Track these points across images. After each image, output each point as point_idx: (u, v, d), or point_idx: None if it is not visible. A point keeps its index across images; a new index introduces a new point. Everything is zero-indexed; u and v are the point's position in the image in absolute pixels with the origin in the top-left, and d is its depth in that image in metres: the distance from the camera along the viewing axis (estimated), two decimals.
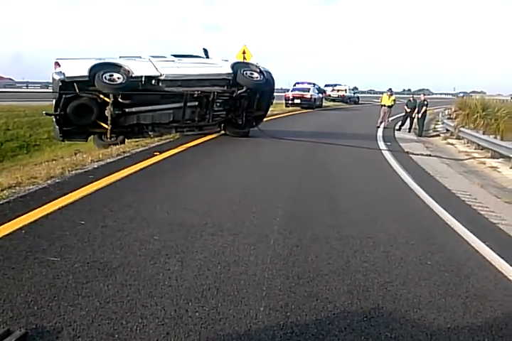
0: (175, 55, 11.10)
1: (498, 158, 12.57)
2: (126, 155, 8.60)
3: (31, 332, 2.58)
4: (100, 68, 9.60)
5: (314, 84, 33.94)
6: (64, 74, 9.31)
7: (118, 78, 9.61)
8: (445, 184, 8.15)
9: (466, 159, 12.89)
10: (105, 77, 9.48)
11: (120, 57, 10.69)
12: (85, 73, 9.40)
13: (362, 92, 66.98)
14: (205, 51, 11.59)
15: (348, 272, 3.76)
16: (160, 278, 3.38)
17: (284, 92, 33.11)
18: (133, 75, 9.87)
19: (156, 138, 10.72)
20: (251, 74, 11.20)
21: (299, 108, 30.00)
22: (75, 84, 9.39)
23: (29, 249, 3.71)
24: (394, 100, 20.62)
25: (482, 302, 3.37)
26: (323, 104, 35.29)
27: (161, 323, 2.77)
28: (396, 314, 3.12)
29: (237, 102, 11.58)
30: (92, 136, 10.49)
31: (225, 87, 11.13)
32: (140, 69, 10.07)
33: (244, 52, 18.80)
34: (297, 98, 30.82)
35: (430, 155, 12.22)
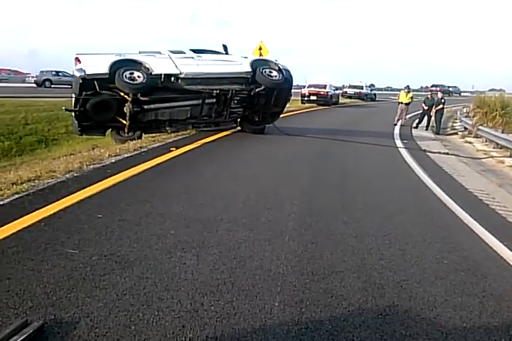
0: (194, 51, 11.04)
1: None
2: (143, 150, 8.68)
3: (50, 322, 2.63)
4: (120, 65, 9.62)
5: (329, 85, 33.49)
6: (84, 71, 9.35)
7: (138, 77, 9.63)
8: (462, 182, 8.07)
9: (484, 158, 12.72)
10: (125, 76, 9.52)
11: (140, 52, 10.72)
12: (106, 70, 9.43)
13: (379, 89, 66.53)
14: (225, 47, 11.55)
15: (364, 269, 3.75)
16: (176, 271, 3.41)
17: (300, 89, 33.00)
18: (153, 73, 9.88)
19: (172, 134, 10.79)
20: (270, 72, 11.16)
21: (315, 105, 29.92)
22: (95, 82, 9.46)
23: (48, 242, 3.77)
24: (411, 97, 20.42)
25: (499, 302, 3.34)
26: (340, 100, 35.13)
27: (176, 316, 2.80)
28: (411, 312, 3.11)
29: (255, 100, 11.57)
30: (109, 131, 10.58)
31: (244, 85, 11.11)
32: (160, 66, 10.06)
33: (260, 49, 18.76)
34: (313, 95, 30.75)
35: (448, 154, 12.08)
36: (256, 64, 11.19)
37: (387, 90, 75.13)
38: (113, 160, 7.46)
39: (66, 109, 10.20)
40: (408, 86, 21.21)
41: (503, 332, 2.92)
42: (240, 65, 11.06)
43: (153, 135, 10.68)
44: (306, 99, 30.83)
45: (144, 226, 4.34)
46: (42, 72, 38.94)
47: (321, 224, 4.90)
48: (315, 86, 31.83)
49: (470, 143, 16.14)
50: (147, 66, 9.92)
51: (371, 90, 47.37)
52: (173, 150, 8.58)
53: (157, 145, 9.39)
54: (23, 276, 3.16)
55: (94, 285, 3.11)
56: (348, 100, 39.27)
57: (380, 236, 4.61)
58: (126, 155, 7.99)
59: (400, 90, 24.32)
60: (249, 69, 10.93)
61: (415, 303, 3.23)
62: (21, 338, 2.38)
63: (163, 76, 10.01)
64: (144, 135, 10.52)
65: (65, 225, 4.20)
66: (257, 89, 11.15)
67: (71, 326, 2.62)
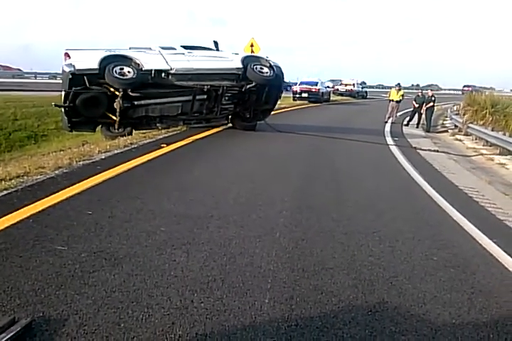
0: (184, 47, 11.01)
1: (506, 155, 12.49)
2: (133, 146, 8.62)
3: (38, 319, 2.61)
4: (110, 60, 9.55)
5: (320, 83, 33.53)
6: (74, 66, 9.27)
7: (128, 72, 9.58)
8: (452, 180, 8.11)
9: (474, 155, 12.82)
10: (115, 71, 9.45)
11: (130, 48, 10.67)
12: (95, 66, 9.36)
13: (370, 87, 66.67)
14: (216, 43, 11.53)
15: (354, 266, 3.76)
16: (166, 268, 3.39)
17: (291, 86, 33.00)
18: (143, 69, 9.83)
19: (163, 130, 10.73)
20: (261, 68, 11.17)
21: (306, 102, 29.92)
22: (85, 77, 9.38)
23: (36, 238, 3.74)
24: (402, 95, 20.49)
25: (487, 299, 3.37)
26: (331, 98, 35.17)
27: (166, 313, 2.78)
28: (401, 308, 3.12)
29: (246, 96, 11.57)
30: (99, 127, 10.51)
31: (235, 82, 11.11)
32: (150, 62, 10.03)
33: (252, 45, 18.69)
34: (305, 92, 30.75)
35: (438, 151, 12.15)
36: (247, 60, 11.18)
37: (378, 88, 75.29)
38: (103, 157, 7.41)
39: (56, 105, 10.09)
40: (399, 83, 21.29)
41: (491, 328, 2.94)
42: (231, 61, 11.07)
43: (144, 131, 10.63)
44: (297, 96, 30.83)
45: (134, 222, 4.32)
46: None
47: (312, 221, 4.90)
48: (306, 83, 31.84)
49: (460, 140, 16.24)
50: (137, 62, 9.87)
51: (362, 88, 47.43)
52: (163, 147, 8.54)
53: (147, 141, 9.33)
54: (11, 273, 3.13)
55: (83, 282, 3.09)
56: (339, 97, 39.31)
57: (370, 233, 4.62)
58: (116, 152, 7.94)
59: (390, 88, 24.38)
60: (240, 66, 10.94)
61: (405, 300, 3.25)
62: (9, 335, 2.36)
63: (153, 71, 9.97)
64: (134, 131, 10.45)
65: (53, 222, 4.16)
66: (248, 86, 11.15)
67: (59, 323, 2.60)
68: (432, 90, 20.90)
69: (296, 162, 8.65)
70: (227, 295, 3.06)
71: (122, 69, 9.56)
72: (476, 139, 15.86)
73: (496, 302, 3.34)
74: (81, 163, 6.79)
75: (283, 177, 7.09)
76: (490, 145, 14.12)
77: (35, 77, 43.27)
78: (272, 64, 11.53)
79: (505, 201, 6.94)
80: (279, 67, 11.82)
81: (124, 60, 9.79)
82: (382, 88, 72.80)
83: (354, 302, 3.15)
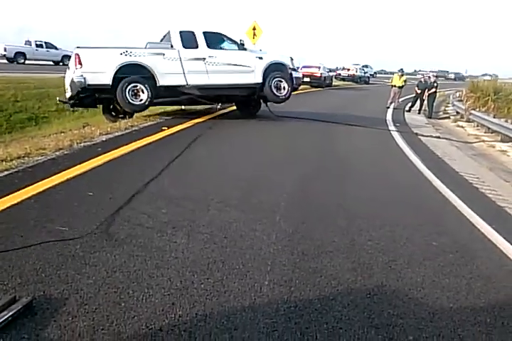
0: (207, 42, 10.30)
1: (508, 142, 12.45)
2: (134, 129, 8.62)
3: (38, 298, 2.63)
4: (125, 73, 9.24)
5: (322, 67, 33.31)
6: (85, 79, 8.97)
7: (142, 92, 9.32)
8: (453, 166, 8.10)
9: (476, 142, 12.78)
10: (128, 91, 9.20)
11: (148, 43, 10.39)
12: (108, 81, 9.12)
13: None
14: (242, 44, 11.10)
15: (353, 250, 3.77)
16: (167, 250, 3.41)
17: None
18: (158, 85, 9.60)
19: (165, 113, 10.70)
20: (278, 86, 10.88)
21: (308, 86, 29.74)
22: (95, 89, 9.27)
23: (38, 218, 3.75)
24: (405, 81, 20.33)
25: (486, 284, 3.39)
26: (333, 83, 34.97)
27: (166, 293, 2.80)
28: (399, 292, 3.14)
29: (255, 96, 11.46)
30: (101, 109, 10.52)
31: (250, 91, 10.99)
32: (167, 75, 9.70)
33: (254, 28, 18.51)
34: (307, 76, 30.49)
35: (439, 137, 12.11)
36: (270, 69, 10.80)
37: (381, 73, 74.76)
38: (104, 139, 7.40)
39: (60, 100, 10.08)
40: (402, 69, 21.13)
41: (489, 313, 2.96)
42: (252, 74, 10.66)
43: (145, 114, 10.60)
44: None
45: (134, 204, 4.32)
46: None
47: (313, 205, 4.91)
48: (309, 67, 31.61)
49: (462, 127, 16.19)
50: (153, 73, 9.53)
51: (365, 73, 47.06)
52: (164, 130, 8.51)
53: (148, 124, 9.32)
54: (12, 252, 3.14)
55: (84, 262, 3.10)
56: (341, 82, 39.08)
57: (371, 218, 4.62)
58: (117, 134, 7.94)
59: (393, 73, 24.21)
60: (260, 81, 10.69)
61: (403, 284, 3.26)
62: (10, 314, 2.38)
63: (168, 86, 9.78)
64: (135, 114, 10.41)
65: (54, 202, 4.18)
66: (261, 94, 11.11)
67: (60, 302, 2.62)
68: (435, 76, 20.72)
69: (298, 147, 8.63)
70: (227, 277, 3.08)
71: (136, 86, 9.30)
72: (477, 126, 15.80)
73: (494, 287, 3.36)
74: (82, 144, 6.78)
75: (284, 160, 7.09)
76: (491, 132, 14.07)
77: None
78: (294, 75, 11.23)
79: (506, 188, 6.93)
80: (299, 78, 11.50)
81: (140, 69, 9.43)
82: (385, 73, 72.32)
83: (353, 285, 3.17)
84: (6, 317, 2.35)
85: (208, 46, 10.31)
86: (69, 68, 9.74)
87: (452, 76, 76.25)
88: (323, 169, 6.88)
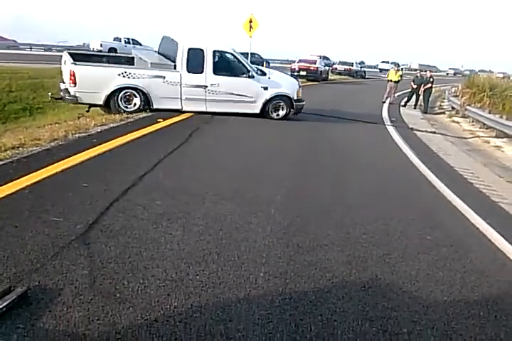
0: (214, 66, 9.81)
1: (502, 138, 12.48)
2: (129, 120, 8.56)
3: (33, 288, 2.62)
4: (118, 92, 9.21)
5: (322, 57, 33.19)
6: (78, 98, 9.04)
7: (135, 96, 9.32)
8: (448, 161, 8.13)
9: (471, 137, 12.82)
10: (121, 99, 9.21)
11: (152, 64, 9.94)
12: (101, 102, 9.15)
13: (369, 67, 66.02)
14: (251, 70, 10.50)
15: (348, 243, 3.78)
16: (162, 241, 3.41)
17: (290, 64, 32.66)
18: (152, 107, 9.51)
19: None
20: (276, 110, 10.61)
21: (304, 80, 29.66)
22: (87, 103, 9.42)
23: (32, 209, 3.73)
24: (401, 76, 20.31)
25: (479, 278, 3.41)
26: (330, 77, 34.87)
27: (161, 285, 2.80)
28: (393, 285, 3.16)
29: None
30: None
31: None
32: (164, 100, 9.58)
33: (251, 21, 18.41)
34: (303, 70, 30.40)
35: (435, 133, 12.15)
36: (272, 99, 10.47)
37: (376, 67, 74.56)
38: (99, 130, 7.36)
39: (52, 97, 9.98)
40: (398, 64, 21.11)
41: (482, 306, 2.99)
42: (253, 105, 10.35)
43: None
44: (295, 74, 30.48)
45: (129, 196, 4.31)
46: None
47: (309, 198, 4.92)
48: (305, 61, 31.49)
49: (457, 122, 16.21)
50: (149, 97, 9.43)
51: (361, 67, 46.97)
52: (160, 122, 8.47)
53: (144, 115, 9.24)
54: (7, 243, 3.13)
55: (79, 253, 3.09)
56: (337, 77, 38.98)
57: (366, 211, 4.65)
58: (112, 125, 7.89)
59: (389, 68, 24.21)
60: (259, 111, 10.44)
61: (398, 277, 3.28)
62: (4, 304, 2.37)
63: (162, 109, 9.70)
64: None
65: (49, 193, 4.16)
66: None
67: (55, 292, 2.61)
68: (430, 71, 20.71)
69: (294, 140, 8.65)
70: (222, 269, 3.09)
71: (127, 93, 9.26)
72: (473, 121, 15.82)
73: (487, 281, 3.39)
74: (77, 135, 6.74)
75: (279, 156, 7.09)
76: (486, 128, 14.10)
77: (31, 48, 42.49)
78: (296, 106, 10.75)
79: (500, 183, 6.97)
80: (301, 105, 11.02)
81: (136, 91, 9.34)
82: (374, 68, 72.08)
83: (348, 278, 3.19)
84: (0, 307, 2.34)
85: (214, 72, 9.82)
86: (65, 63, 9.61)
87: (452, 72, 76.83)
88: (318, 165, 6.88)
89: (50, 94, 10.37)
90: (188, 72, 9.65)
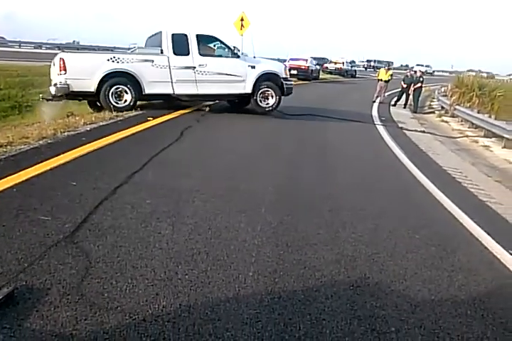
0: (200, 51, 10.06)
1: (490, 138, 12.60)
2: (119, 119, 8.53)
3: (20, 288, 2.60)
4: (110, 78, 9.21)
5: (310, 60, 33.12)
6: (69, 86, 8.96)
7: (126, 93, 9.36)
8: (437, 160, 8.19)
9: (459, 137, 12.92)
10: (112, 95, 9.21)
11: (137, 48, 10.35)
12: (92, 89, 9.14)
13: (358, 66, 66.27)
14: (235, 50, 10.95)
15: (337, 242, 3.79)
16: (151, 240, 3.39)
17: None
18: (144, 93, 9.57)
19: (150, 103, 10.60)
20: (266, 98, 10.84)
21: (295, 79, 29.67)
22: (79, 94, 9.34)
23: (20, 208, 3.70)
24: (391, 75, 20.41)
25: (466, 277, 3.44)
26: (320, 76, 34.95)
27: (150, 284, 2.79)
28: (382, 284, 3.17)
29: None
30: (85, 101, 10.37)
31: (238, 98, 11.08)
32: (154, 84, 9.62)
33: (242, 19, 18.37)
34: (294, 69, 30.40)
35: (424, 132, 12.23)
36: (261, 79, 10.64)
37: (369, 67, 74.85)
38: (88, 128, 7.32)
39: (43, 98, 9.92)
40: (388, 63, 21.23)
41: (470, 305, 3.01)
42: (242, 84, 10.49)
43: None
44: None
45: (118, 195, 4.29)
46: None
47: (298, 198, 4.92)
48: (296, 60, 31.52)
49: (446, 122, 16.33)
50: (140, 81, 9.45)
51: (351, 67, 47.15)
52: (150, 120, 8.44)
53: (134, 114, 9.21)
54: None
55: (67, 253, 3.07)
56: (328, 76, 39.08)
57: (355, 210, 4.66)
58: (101, 124, 7.85)
59: (379, 68, 24.28)
60: (250, 91, 10.57)
61: (386, 276, 3.30)
62: None
63: (154, 94, 9.79)
64: None
65: (37, 192, 4.13)
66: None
67: (42, 292, 2.59)
68: (421, 71, 20.81)
69: (285, 140, 8.66)
70: (211, 268, 3.08)
71: (118, 88, 9.29)
72: (461, 121, 15.95)
73: (474, 280, 3.41)
74: (66, 134, 6.70)
75: (271, 153, 7.09)
76: (475, 128, 14.22)
77: (20, 45, 42.10)
78: (286, 85, 11.03)
79: (488, 182, 7.04)
80: (291, 87, 11.37)
81: (126, 76, 9.37)
82: (371, 68, 72.46)
83: (336, 277, 3.19)
84: None
85: (200, 53, 10.07)
86: (54, 64, 9.55)
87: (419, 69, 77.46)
88: (309, 162, 6.89)
89: (40, 95, 10.30)
90: (175, 54, 9.85)
